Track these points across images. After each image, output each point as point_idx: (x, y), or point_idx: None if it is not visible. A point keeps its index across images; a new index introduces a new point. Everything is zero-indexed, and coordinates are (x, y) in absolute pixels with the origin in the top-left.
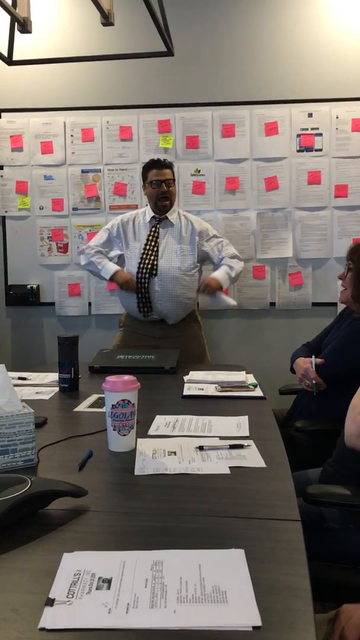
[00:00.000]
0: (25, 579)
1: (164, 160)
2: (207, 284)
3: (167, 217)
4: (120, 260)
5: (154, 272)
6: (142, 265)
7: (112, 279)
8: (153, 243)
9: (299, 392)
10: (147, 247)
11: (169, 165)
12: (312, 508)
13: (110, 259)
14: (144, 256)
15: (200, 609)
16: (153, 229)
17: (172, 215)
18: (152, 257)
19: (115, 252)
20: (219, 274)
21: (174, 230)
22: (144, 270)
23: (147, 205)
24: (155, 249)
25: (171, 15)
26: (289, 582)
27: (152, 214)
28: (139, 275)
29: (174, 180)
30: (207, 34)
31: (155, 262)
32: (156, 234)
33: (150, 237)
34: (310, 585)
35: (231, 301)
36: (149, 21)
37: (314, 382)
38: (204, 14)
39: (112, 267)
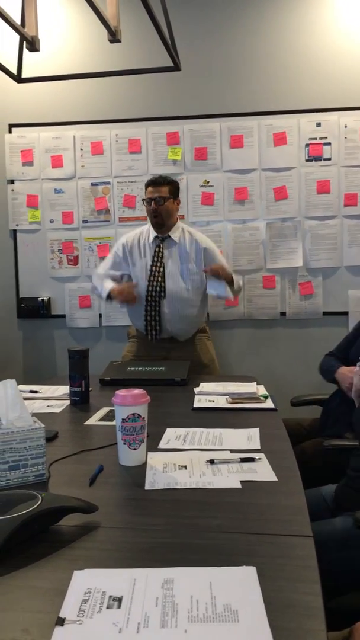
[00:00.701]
0: (36, 598)
1: (163, 177)
2: (216, 269)
3: (169, 236)
4: (129, 280)
5: (163, 294)
6: (150, 288)
7: (109, 297)
8: (159, 264)
9: (324, 401)
10: (154, 268)
11: (166, 182)
12: (327, 528)
13: (119, 279)
14: (152, 278)
15: (211, 629)
16: (157, 249)
17: (174, 234)
18: (160, 279)
19: (122, 272)
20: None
21: (179, 249)
22: (153, 293)
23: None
24: (161, 269)
25: (177, 28)
26: (301, 601)
27: (155, 233)
28: (149, 298)
29: (169, 197)
30: (214, 45)
31: (162, 284)
32: (160, 254)
33: (156, 258)
34: (323, 603)
35: (230, 293)
36: (156, 36)
37: None
38: (210, 25)
39: (108, 286)
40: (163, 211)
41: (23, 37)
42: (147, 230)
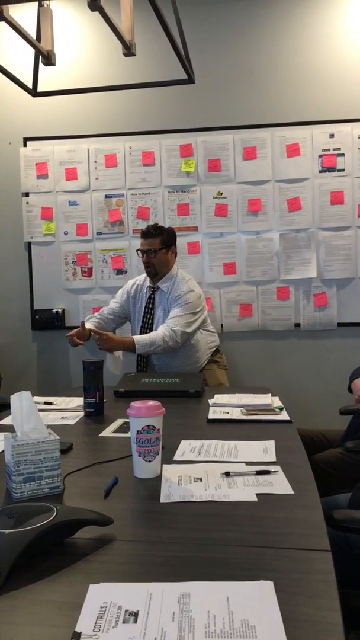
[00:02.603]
0: (51, 612)
1: (154, 228)
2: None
3: (159, 287)
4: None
5: None
6: (141, 333)
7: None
8: (149, 315)
9: (356, 412)
10: (145, 318)
11: (158, 233)
12: (338, 534)
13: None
14: (143, 328)
15: None
16: (149, 300)
17: (165, 284)
18: (149, 331)
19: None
20: (139, 340)
21: (164, 300)
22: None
23: None
24: (150, 321)
25: (190, 40)
26: (320, 617)
27: (149, 283)
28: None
29: (161, 248)
30: (226, 58)
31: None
32: (151, 305)
33: (149, 307)
34: (342, 619)
35: (112, 368)
36: (169, 49)
37: None
38: (223, 38)
39: (86, 322)
40: (155, 263)
41: (39, 52)
42: (144, 278)
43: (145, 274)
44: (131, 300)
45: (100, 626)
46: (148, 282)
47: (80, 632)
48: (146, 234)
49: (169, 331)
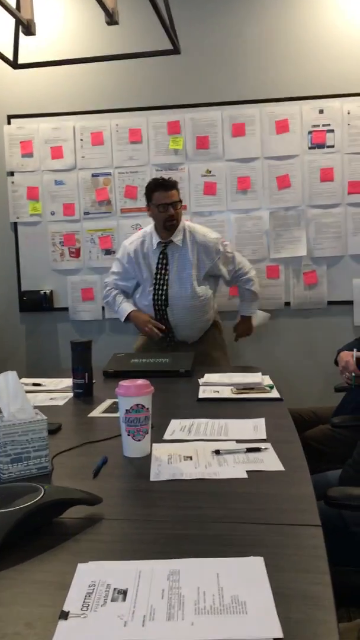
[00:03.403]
0: (39, 592)
1: (169, 179)
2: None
3: (172, 241)
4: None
5: (167, 302)
6: (156, 297)
7: (128, 320)
8: (163, 271)
9: (346, 389)
10: (158, 276)
11: (175, 185)
12: (333, 511)
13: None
14: (157, 287)
15: (218, 621)
16: (161, 256)
17: (177, 237)
18: (165, 287)
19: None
20: (247, 310)
21: (181, 254)
22: (159, 302)
23: (152, 226)
24: (165, 277)
25: (178, 15)
26: (310, 591)
27: (158, 239)
28: (156, 307)
29: (180, 201)
30: (214, 32)
31: (166, 293)
32: (165, 261)
33: (160, 265)
34: (333, 594)
35: (265, 315)
36: (156, 20)
37: (353, 374)
38: (211, 11)
39: (125, 308)
40: (178, 216)
41: (18, 21)
42: (149, 235)
43: (139, 233)
44: (137, 263)
45: (89, 605)
46: (156, 239)
47: (68, 611)
48: (166, 185)
49: (250, 280)
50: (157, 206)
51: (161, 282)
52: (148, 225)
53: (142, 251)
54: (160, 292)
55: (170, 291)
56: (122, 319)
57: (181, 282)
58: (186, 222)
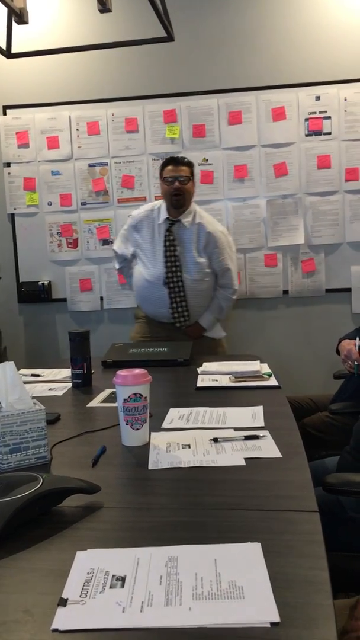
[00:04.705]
0: (38, 579)
1: (184, 158)
2: (190, 335)
3: (180, 220)
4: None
5: (180, 284)
6: (170, 274)
7: None
8: (172, 248)
9: (345, 376)
10: (168, 253)
11: (188, 164)
12: (331, 497)
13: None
14: (169, 264)
15: (216, 606)
16: (167, 233)
17: (186, 218)
18: (179, 274)
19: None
20: (205, 321)
21: (188, 237)
22: (175, 279)
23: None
24: (177, 262)
25: (172, 2)
26: (307, 576)
27: (166, 215)
28: (171, 285)
29: (190, 179)
30: (209, 20)
31: (180, 272)
32: (171, 238)
33: (167, 242)
34: (329, 578)
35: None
36: (150, 8)
37: (355, 363)
38: None
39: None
40: (185, 191)
41: (11, 10)
42: (158, 209)
43: (148, 206)
44: (142, 230)
45: (87, 592)
46: (164, 214)
47: (67, 598)
48: (176, 160)
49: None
50: (165, 179)
51: (173, 259)
52: (158, 201)
53: (148, 220)
54: (174, 269)
55: (184, 270)
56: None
57: (186, 265)
58: (197, 207)
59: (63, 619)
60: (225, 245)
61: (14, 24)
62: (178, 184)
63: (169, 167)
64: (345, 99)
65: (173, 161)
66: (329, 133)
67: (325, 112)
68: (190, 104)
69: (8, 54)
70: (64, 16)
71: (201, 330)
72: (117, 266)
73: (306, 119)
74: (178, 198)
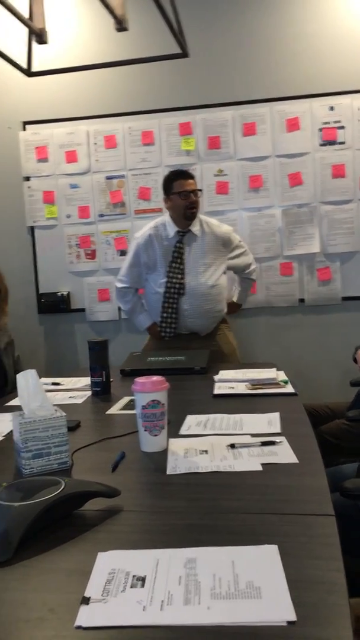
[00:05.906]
0: (62, 579)
1: (187, 170)
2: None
3: (190, 230)
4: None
5: (182, 291)
6: (169, 285)
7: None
8: (179, 260)
9: None
10: (174, 264)
11: (193, 176)
12: (349, 503)
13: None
14: (170, 274)
15: (234, 605)
16: (178, 245)
17: (194, 227)
18: (179, 276)
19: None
20: (241, 298)
21: (198, 243)
22: (172, 290)
23: (167, 216)
24: (181, 266)
25: (185, 16)
26: (323, 577)
27: (176, 228)
28: (167, 294)
29: (200, 190)
30: (223, 33)
31: (182, 281)
32: (182, 250)
33: (176, 254)
34: (345, 579)
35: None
36: (166, 27)
37: None
38: (218, 12)
39: (145, 322)
40: (198, 205)
41: (31, 30)
42: (163, 225)
43: (151, 224)
44: (151, 253)
45: (109, 591)
46: (173, 228)
47: (90, 597)
48: (184, 174)
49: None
50: (178, 193)
51: (176, 270)
52: (158, 218)
53: (156, 240)
54: (174, 280)
55: (188, 278)
56: (142, 328)
57: (200, 271)
58: (200, 215)
59: (86, 617)
60: (238, 241)
61: (34, 43)
62: (194, 197)
63: (180, 182)
64: (359, 109)
65: (181, 175)
66: (343, 142)
67: (339, 122)
68: (205, 116)
69: (29, 72)
70: (82, 35)
71: (238, 308)
72: (125, 307)
73: (320, 129)
74: (194, 211)
